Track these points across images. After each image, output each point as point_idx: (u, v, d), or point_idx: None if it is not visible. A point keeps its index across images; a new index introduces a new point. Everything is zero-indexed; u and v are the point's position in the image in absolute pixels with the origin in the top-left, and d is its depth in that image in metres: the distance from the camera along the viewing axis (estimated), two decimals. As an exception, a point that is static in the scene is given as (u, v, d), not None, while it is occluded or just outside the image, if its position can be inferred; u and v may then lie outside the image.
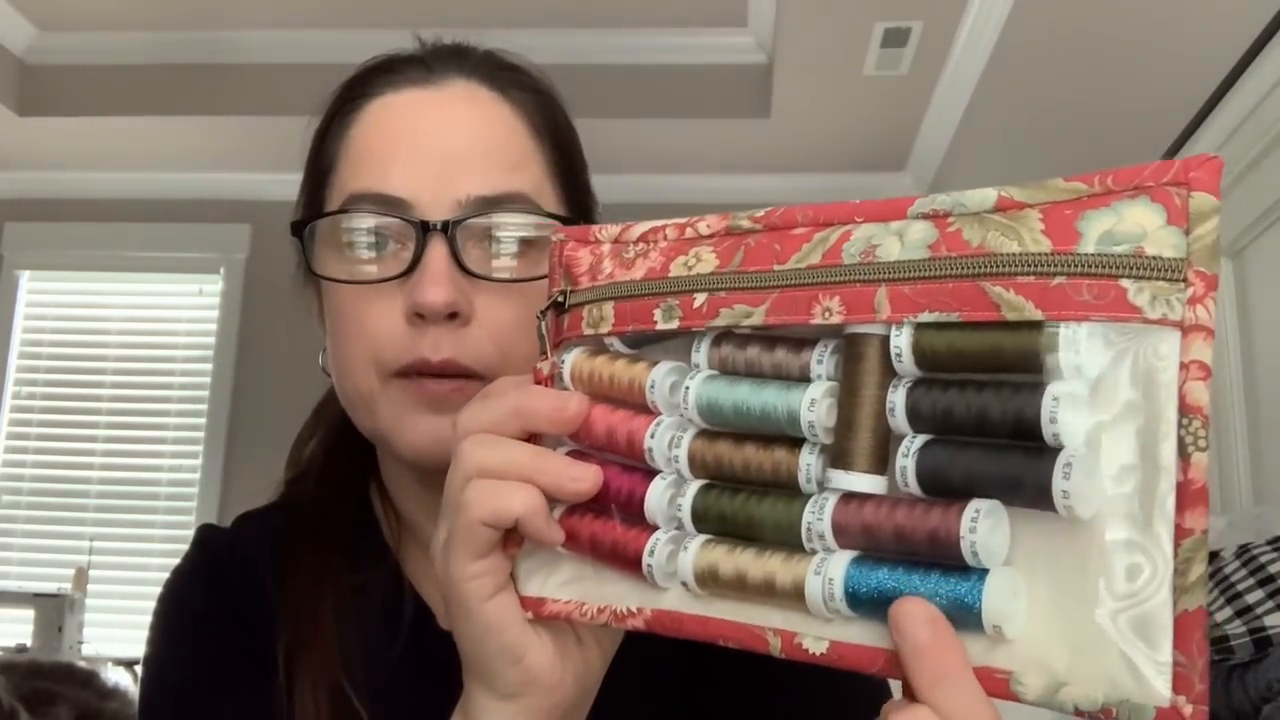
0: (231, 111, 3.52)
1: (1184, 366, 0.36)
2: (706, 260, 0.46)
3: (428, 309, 0.60)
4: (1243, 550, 1.85)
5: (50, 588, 3.45)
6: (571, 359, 0.50)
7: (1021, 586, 0.38)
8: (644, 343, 0.49)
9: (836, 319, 0.41)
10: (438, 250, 0.61)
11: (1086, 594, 0.37)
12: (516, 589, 0.50)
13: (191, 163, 3.79)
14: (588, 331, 0.49)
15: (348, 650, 0.63)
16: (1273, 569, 1.75)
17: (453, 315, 0.61)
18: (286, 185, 3.83)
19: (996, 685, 0.38)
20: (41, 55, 3.58)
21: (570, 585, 0.49)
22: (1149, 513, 0.36)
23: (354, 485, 0.73)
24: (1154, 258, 0.36)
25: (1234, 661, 1.70)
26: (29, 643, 3.17)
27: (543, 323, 0.51)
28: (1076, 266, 0.37)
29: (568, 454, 0.49)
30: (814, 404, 0.42)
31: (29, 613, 3.26)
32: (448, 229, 0.61)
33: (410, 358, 0.61)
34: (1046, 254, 0.37)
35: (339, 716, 0.63)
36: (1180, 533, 0.35)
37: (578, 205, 0.70)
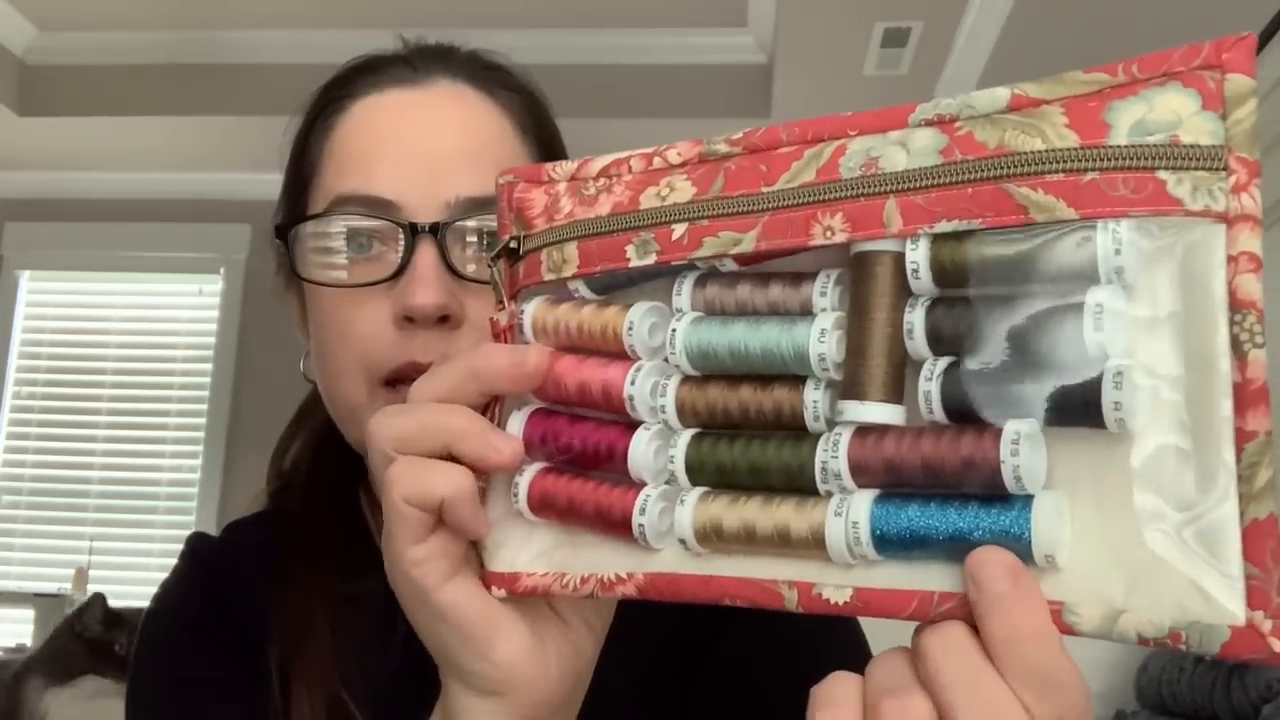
0: (231, 111, 3.52)
1: (1232, 259, 0.32)
2: (681, 189, 0.42)
3: (418, 312, 0.59)
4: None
5: (50, 588, 3.45)
6: (531, 309, 0.45)
7: (1066, 511, 0.35)
8: (613, 287, 0.44)
9: (840, 237, 0.37)
10: (427, 252, 0.60)
11: (1140, 513, 0.33)
12: (484, 565, 0.45)
13: (191, 163, 3.79)
14: (549, 277, 0.44)
15: (343, 659, 0.62)
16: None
17: (443, 318, 0.60)
18: (287, 185, 3.71)
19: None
20: (41, 55, 3.58)
21: (547, 555, 0.44)
22: (1207, 417, 0.33)
23: (342, 493, 0.72)
24: (1191, 146, 0.33)
25: (1234, 661, 1.70)
26: (29, 643, 3.17)
27: (495, 270, 0.46)
28: (1109, 160, 0.33)
29: (533, 413, 0.45)
30: (824, 334, 0.38)
31: (29, 613, 3.26)
32: (437, 231, 0.60)
33: (400, 361, 0.60)
34: (1075, 149, 0.34)
35: None
36: (1242, 435, 0.32)
37: None
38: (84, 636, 2.15)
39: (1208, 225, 0.33)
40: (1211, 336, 0.33)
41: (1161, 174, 0.33)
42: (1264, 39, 2.20)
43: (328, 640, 0.62)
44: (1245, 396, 0.32)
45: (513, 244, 0.46)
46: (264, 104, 3.51)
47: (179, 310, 3.96)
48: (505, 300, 0.46)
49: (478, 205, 0.62)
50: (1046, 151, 0.34)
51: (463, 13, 3.04)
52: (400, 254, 0.60)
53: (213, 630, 0.67)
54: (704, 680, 0.66)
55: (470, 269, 0.61)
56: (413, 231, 0.60)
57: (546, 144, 0.68)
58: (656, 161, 0.43)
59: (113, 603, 2.38)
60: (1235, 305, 0.32)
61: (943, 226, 0.36)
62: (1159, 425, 0.33)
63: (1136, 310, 0.34)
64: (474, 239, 0.62)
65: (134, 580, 3.68)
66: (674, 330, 0.41)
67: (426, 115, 0.64)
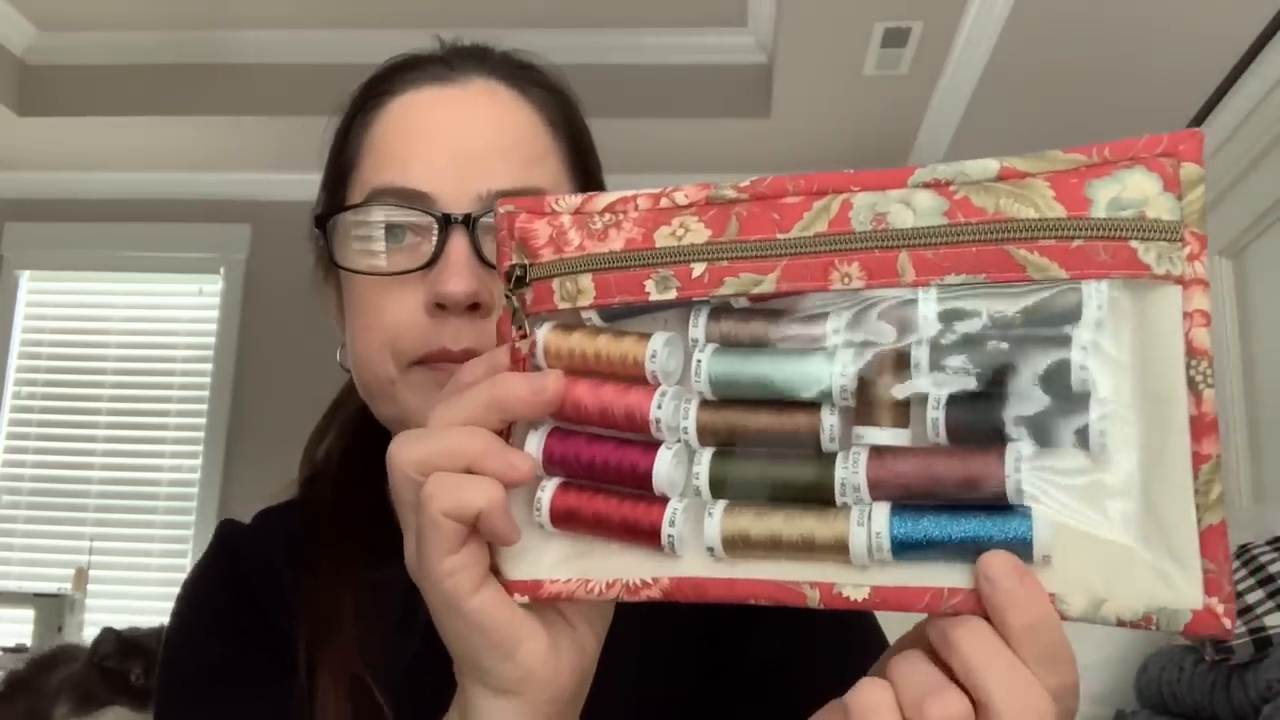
0: (231, 111, 3.52)
1: (1188, 315, 0.40)
2: (696, 230, 0.46)
3: (449, 300, 0.61)
4: (1243, 550, 1.85)
5: (50, 588, 3.44)
6: (544, 335, 0.48)
7: (1055, 518, 0.41)
8: (620, 316, 0.48)
9: (858, 284, 0.43)
10: (459, 242, 0.62)
11: (1116, 520, 0.41)
12: (502, 575, 0.48)
13: (191, 163, 3.79)
14: (562, 305, 0.48)
15: (367, 644, 0.63)
16: (1273, 569, 1.75)
17: (474, 306, 0.62)
18: (286, 185, 3.85)
19: None
20: (41, 55, 3.58)
21: (567, 563, 0.48)
22: (1170, 443, 0.40)
23: (371, 483, 0.73)
24: (1155, 220, 0.40)
25: (1234, 661, 1.70)
26: (29, 643, 3.17)
27: (513, 299, 0.49)
28: (1092, 230, 0.40)
29: (551, 432, 0.48)
30: (845, 371, 0.43)
31: (29, 613, 3.26)
32: (468, 222, 0.62)
33: (431, 348, 0.63)
34: (1063, 219, 0.41)
35: (360, 709, 0.63)
36: (1198, 459, 0.40)
37: None
38: (103, 667, 2.16)
39: (1168, 287, 0.40)
40: (1173, 377, 0.40)
41: (1133, 243, 0.40)
42: (1264, 39, 2.20)
43: (353, 628, 0.64)
44: (1200, 427, 0.40)
45: (518, 272, 0.49)
46: (264, 104, 3.51)
47: (179, 310, 3.96)
48: (528, 329, 0.49)
49: (508, 198, 0.63)
50: (1040, 220, 0.41)
51: (463, 13, 3.04)
52: (433, 244, 0.63)
53: (239, 620, 0.69)
54: (732, 677, 0.68)
55: None
56: (445, 222, 0.63)
57: (576, 141, 0.70)
58: (664, 202, 0.47)
59: (130, 622, 2.40)
60: (1191, 352, 0.40)
61: (952, 279, 0.42)
62: (1131, 449, 0.41)
63: (1113, 354, 0.41)
64: None
65: (134, 580, 3.69)
66: (699, 360, 0.46)
67: (461, 111, 0.66)
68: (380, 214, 0.65)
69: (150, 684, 2.13)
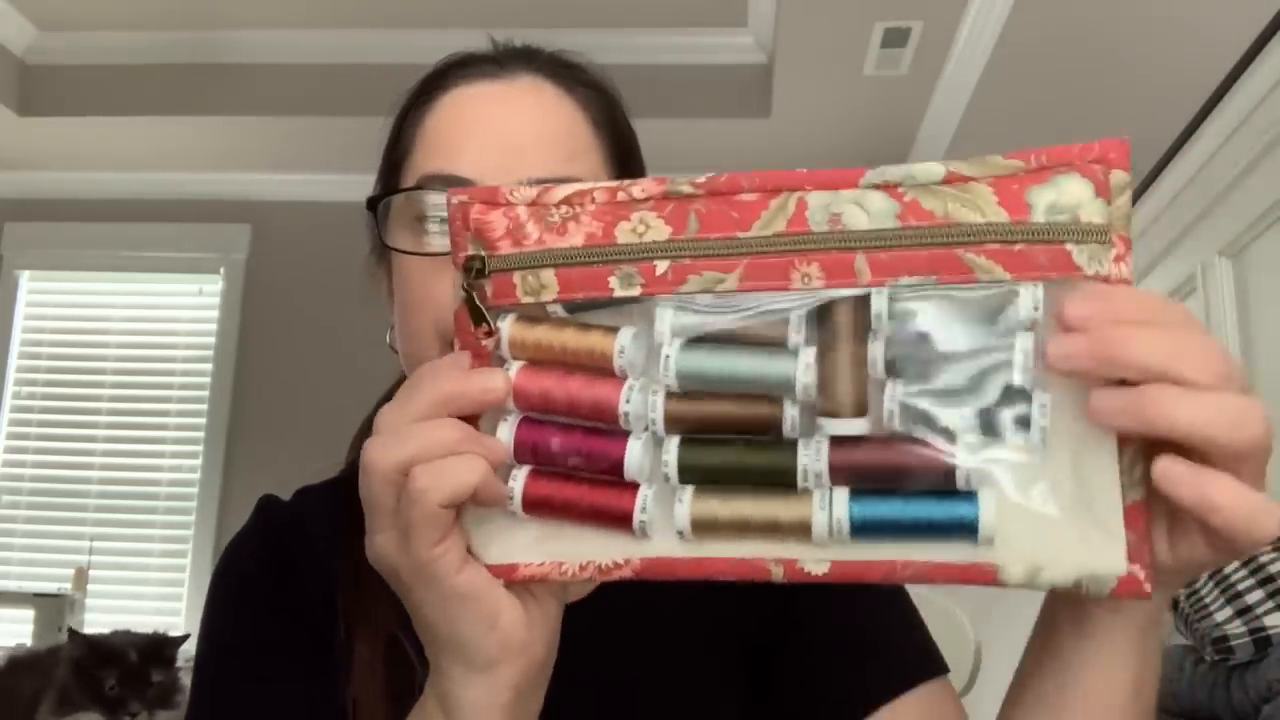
0: (231, 111, 3.52)
1: None
2: (657, 227, 0.47)
3: None
4: (1243, 550, 1.84)
5: (50, 588, 3.44)
6: (508, 328, 0.50)
7: (997, 500, 0.45)
8: (583, 308, 0.49)
9: (817, 284, 0.46)
10: None
11: (1053, 498, 0.45)
12: (479, 560, 0.50)
13: (191, 163, 3.79)
14: (525, 299, 0.49)
15: (402, 605, 0.66)
16: (1273, 569, 1.75)
17: None
18: (286, 185, 3.84)
19: (986, 575, 0.46)
20: (41, 55, 3.58)
21: (538, 546, 0.50)
22: (1098, 430, 0.44)
23: None
24: (1088, 224, 0.43)
25: (1234, 661, 1.70)
26: (29, 643, 3.17)
27: (474, 293, 0.50)
28: (1032, 234, 0.44)
29: (521, 421, 0.50)
30: (808, 369, 0.46)
31: (29, 613, 3.26)
32: None
33: None
34: (1006, 224, 0.44)
35: (394, 666, 0.66)
36: (1124, 441, 0.44)
37: None
38: (79, 671, 2.15)
39: (1094, 286, 0.43)
40: None
41: (1068, 246, 0.43)
42: (1264, 39, 2.20)
43: (388, 585, 0.66)
44: None
45: (477, 264, 0.49)
46: (264, 104, 3.51)
47: (179, 310, 3.96)
48: (492, 324, 0.50)
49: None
50: (985, 225, 0.44)
51: (464, 12, 3.04)
52: None
53: (265, 582, 0.72)
54: (783, 653, 0.71)
55: None
56: None
57: (618, 137, 0.74)
58: (620, 195, 0.48)
59: (129, 622, 2.38)
60: None
61: (905, 281, 0.45)
62: (1065, 435, 0.45)
63: (1048, 349, 0.44)
64: None
65: (134, 580, 3.69)
66: (667, 356, 0.48)
67: (507, 106, 0.70)
68: (428, 198, 0.68)
69: (125, 694, 2.11)
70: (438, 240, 0.67)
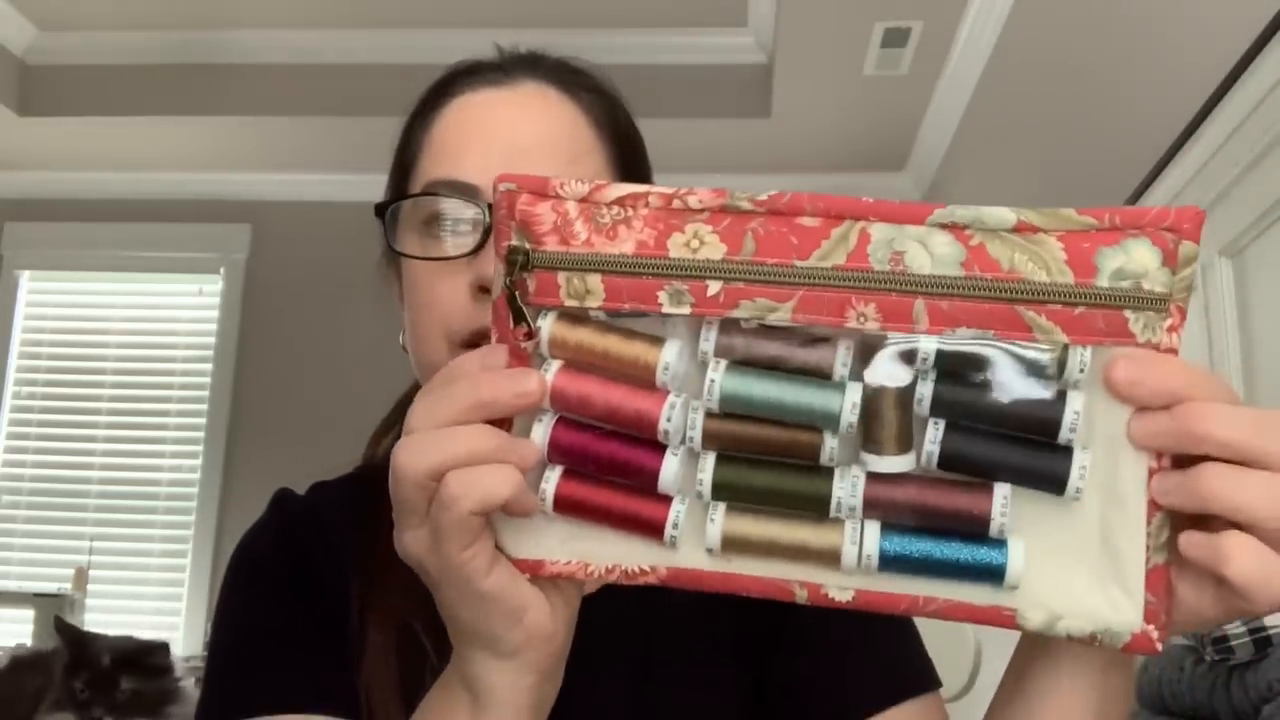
0: (231, 111, 3.52)
1: None
2: (711, 244, 0.46)
3: (490, 282, 0.64)
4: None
5: (50, 588, 3.45)
6: (549, 326, 0.48)
7: (1024, 550, 0.47)
8: (626, 314, 0.48)
9: (873, 326, 0.45)
10: None
11: (1078, 552, 0.46)
12: (507, 553, 0.51)
13: (191, 163, 3.80)
14: (569, 303, 0.47)
15: (415, 593, 0.65)
16: (1273, 569, 1.74)
17: None
18: (286, 185, 3.85)
19: (1005, 619, 0.47)
20: (41, 55, 3.58)
21: (566, 545, 0.51)
22: (1130, 492, 0.45)
23: None
24: (1150, 293, 0.44)
25: (1234, 661, 1.70)
26: (29, 643, 3.17)
27: (512, 284, 0.48)
28: (1094, 299, 0.44)
29: (557, 423, 0.50)
30: (854, 408, 0.46)
31: (29, 613, 3.26)
32: None
33: (476, 326, 0.67)
34: (1071, 286, 0.44)
35: (406, 654, 0.68)
36: (1153, 508, 0.45)
37: None
38: (65, 670, 2.14)
39: (1144, 351, 0.44)
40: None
41: (1126, 313, 0.44)
42: (1264, 39, 2.20)
43: (402, 573, 0.67)
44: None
45: (519, 257, 0.48)
46: (264, 104, 3.51)
47: (179, 310, 3.96)
48: (531, 325, 0.48)
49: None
50: (1050, 285, 0.44)
51: (464, 14, 3.04)
52: (480, 233, 0.67)
53: (278, 569, 0.73)
54: (781, 653, 0.72)
55: None
56: (492, 211, 0.64)
57: (622, 140, 0.75)
58: (676, 203, 0.47)
59: (130, 622, 2.37)
60: None
61: (963, 333, 0.45)
62: (1098, 493, 0.46)
63: (1092, 411, 0.45)
64: None
65: (134, 580, 3.69)
66: (712, 379, 0.47)
67: (511, 111, 0.71)
68: (433, 204, 0.69)
69: (95, 698, 2.11)
70: (441, 245, 0.69)
